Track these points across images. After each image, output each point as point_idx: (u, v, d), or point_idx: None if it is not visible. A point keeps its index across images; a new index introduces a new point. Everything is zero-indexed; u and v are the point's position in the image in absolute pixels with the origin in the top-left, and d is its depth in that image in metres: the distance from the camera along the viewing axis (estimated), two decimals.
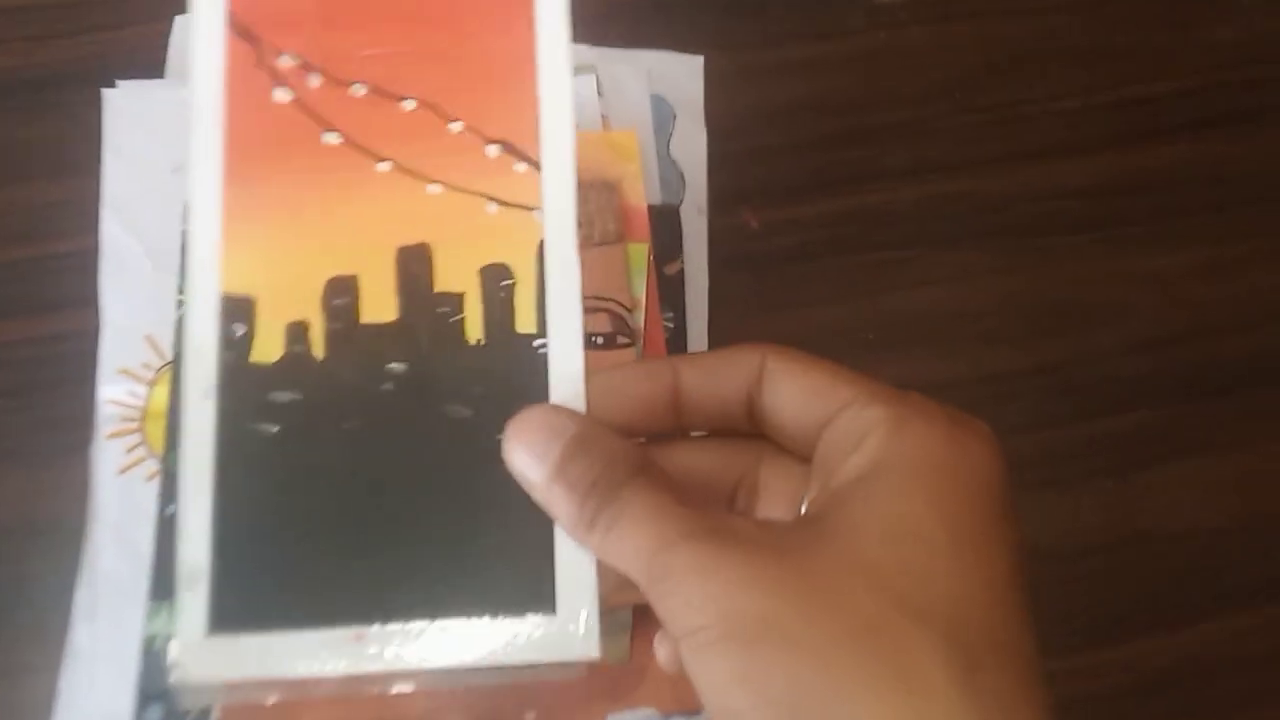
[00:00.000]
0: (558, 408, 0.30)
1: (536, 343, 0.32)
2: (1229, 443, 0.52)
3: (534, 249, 0.33)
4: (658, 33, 0.55)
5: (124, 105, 0.51)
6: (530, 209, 0.33)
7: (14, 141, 0.51)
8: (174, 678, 0.30)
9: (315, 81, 0.34)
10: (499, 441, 0.31)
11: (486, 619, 0.30)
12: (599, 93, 0.54)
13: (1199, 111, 0.57)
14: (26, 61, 0.53)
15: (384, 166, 0.33)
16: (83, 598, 0.44)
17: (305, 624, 0.30)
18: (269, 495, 0.31)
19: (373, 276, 0.33)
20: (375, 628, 0.30)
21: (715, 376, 0.31)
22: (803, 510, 0.30)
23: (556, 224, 0.33)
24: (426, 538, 0.31)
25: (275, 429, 0.32)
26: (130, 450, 0.46)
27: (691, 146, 0.54)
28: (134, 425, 0.47)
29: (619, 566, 0.28)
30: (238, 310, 0.32)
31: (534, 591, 0.30)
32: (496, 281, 0.33)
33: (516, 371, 0.32)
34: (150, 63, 0.52)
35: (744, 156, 0.55)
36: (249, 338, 0.32)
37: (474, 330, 0.33)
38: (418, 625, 0.31)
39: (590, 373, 0.31)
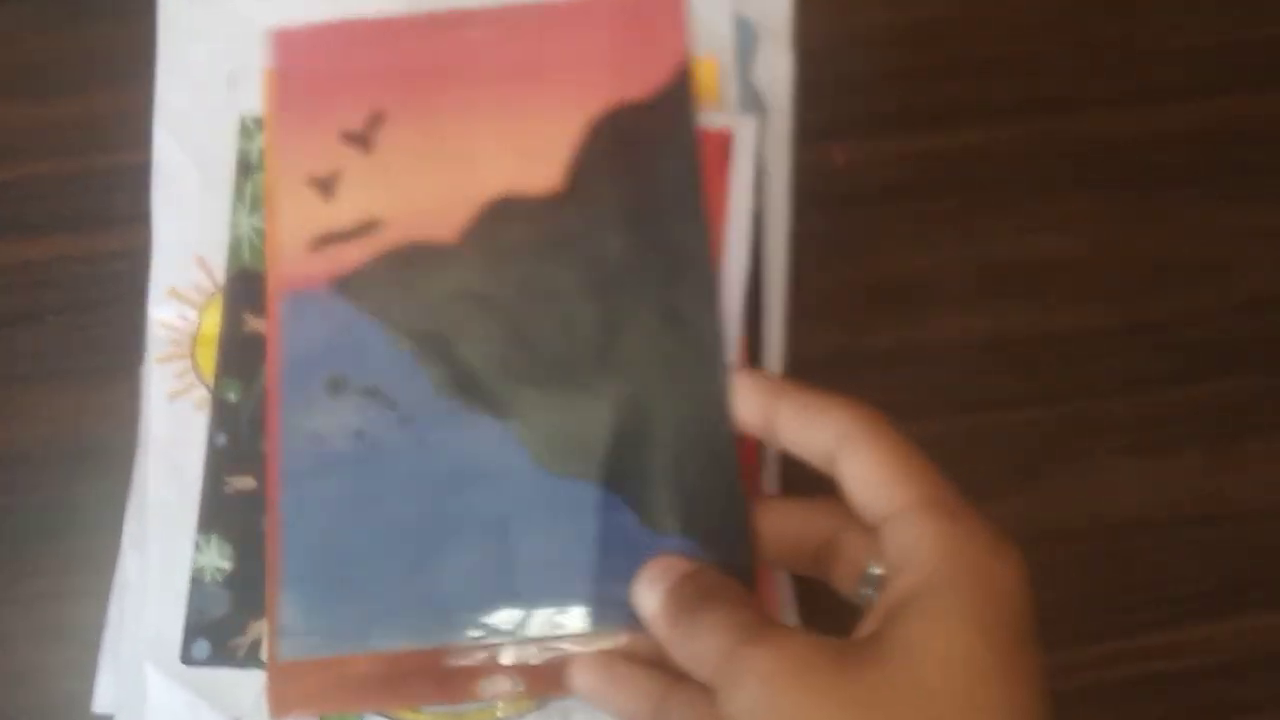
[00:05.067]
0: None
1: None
2: None
3: None
4: None
5: (178, 10, 0.49)
6: None
7: (66, 50, 0.49)
8: None
9: None
10: None
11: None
12: None
13: None
14: None
15: None
16: (132, 525, 0.43)
17: None
18: None
19: None
20: None
21: (807, 426, 0.35)
22: (863, 595, 0.34)
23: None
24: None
25: None
26: (180, 375, 0.45)
27: (775, 73, 0.51)
28: (184, 350, 0.45)
29: (694, 665, 0.33)
30: None
31: None
32: None
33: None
34: None
35: (831, 85, 0.51)
36: None
37: None
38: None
39: None
